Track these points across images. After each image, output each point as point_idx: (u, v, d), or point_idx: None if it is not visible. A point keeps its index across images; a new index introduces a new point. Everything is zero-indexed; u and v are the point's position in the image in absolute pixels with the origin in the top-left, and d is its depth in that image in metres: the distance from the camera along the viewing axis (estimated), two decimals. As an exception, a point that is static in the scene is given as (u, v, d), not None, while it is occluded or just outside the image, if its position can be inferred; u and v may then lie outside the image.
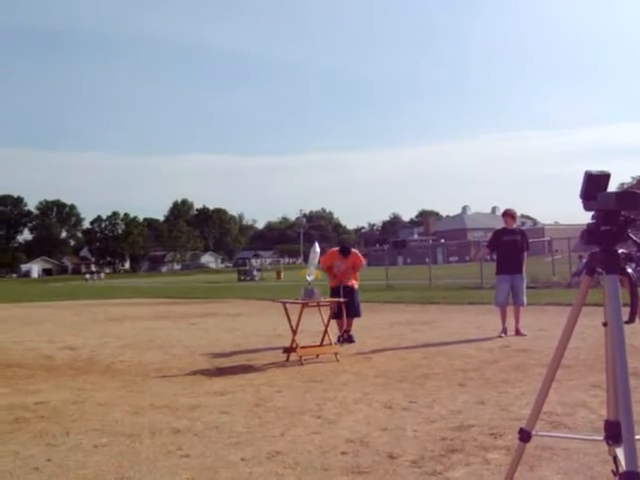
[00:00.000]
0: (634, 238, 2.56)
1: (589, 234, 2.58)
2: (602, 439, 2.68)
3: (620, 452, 2.45)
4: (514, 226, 11.06)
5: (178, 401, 6.23)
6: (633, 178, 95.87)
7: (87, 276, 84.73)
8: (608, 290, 2.51)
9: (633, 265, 2.61)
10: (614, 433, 2.55)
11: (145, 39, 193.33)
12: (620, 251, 2.55)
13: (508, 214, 10.95)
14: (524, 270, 10.82)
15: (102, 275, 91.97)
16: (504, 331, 10.38)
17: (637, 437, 2.38)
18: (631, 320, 2.48)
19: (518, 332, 10.36)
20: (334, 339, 9.39)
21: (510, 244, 10.65)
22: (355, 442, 4.62)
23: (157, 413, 5.77)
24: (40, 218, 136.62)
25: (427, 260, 37.17)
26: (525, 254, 10.81)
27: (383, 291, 25.48)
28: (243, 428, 5.14)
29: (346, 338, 10.26)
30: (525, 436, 2.79)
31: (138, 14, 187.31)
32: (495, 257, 11.20)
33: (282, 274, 53.25)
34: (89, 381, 7.62)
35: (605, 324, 2.57)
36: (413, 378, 7.05)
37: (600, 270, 2.58)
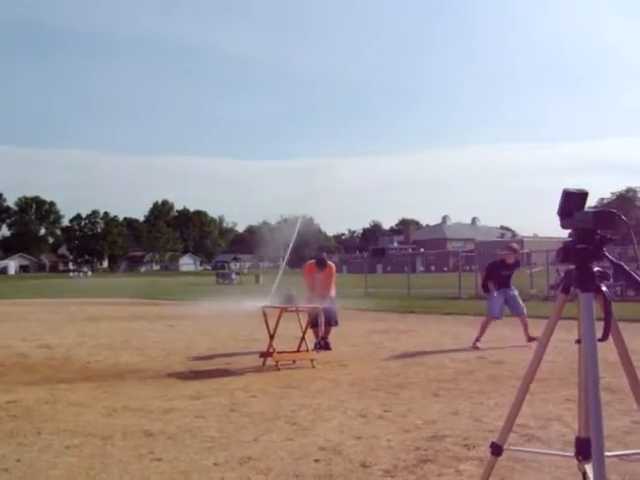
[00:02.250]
0: (610, 257, 2.59)
1: (565, 252, 2.61)
2: (572, 455, 2.71)
3: (589, 468, 2.48)
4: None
5: (152, 404, 6.20)
6: (613, 194, 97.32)
7: (72, 274, 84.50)
8: (583, 308, 2.54)
9: (610, 281, 2.65)
10: (584, 449, 2.58)
11: (136, 38, 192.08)
12: (595, 269, 2.58)
13: (512, 249, 10.98)
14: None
15: (89, 273, 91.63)
16: (477, 340, 10.43)
17: (606, 454, 2.41)
18: (604, 338, 2.51)
19: (530, 339, 10.33)
20: (311, 345, 9.40)
21: (506, 278, 10.95)
22: (328, 450, 4.62)
23: (130, 415, 5.74)
24: (19, 214, 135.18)
25: (406, 269, 37.26)
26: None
27: (362, 299, 25.48)
28: (217, 433, 5.13)
29: (323, 345, 10.26)
30: (497, 450, 2.81)
31: (127, 13, 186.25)
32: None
33: (261, 278, 53.06)
34: (63, 381, 7.55)
35: (579, 341, 2.60)
36: (388, 387, 7.07)
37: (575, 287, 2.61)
